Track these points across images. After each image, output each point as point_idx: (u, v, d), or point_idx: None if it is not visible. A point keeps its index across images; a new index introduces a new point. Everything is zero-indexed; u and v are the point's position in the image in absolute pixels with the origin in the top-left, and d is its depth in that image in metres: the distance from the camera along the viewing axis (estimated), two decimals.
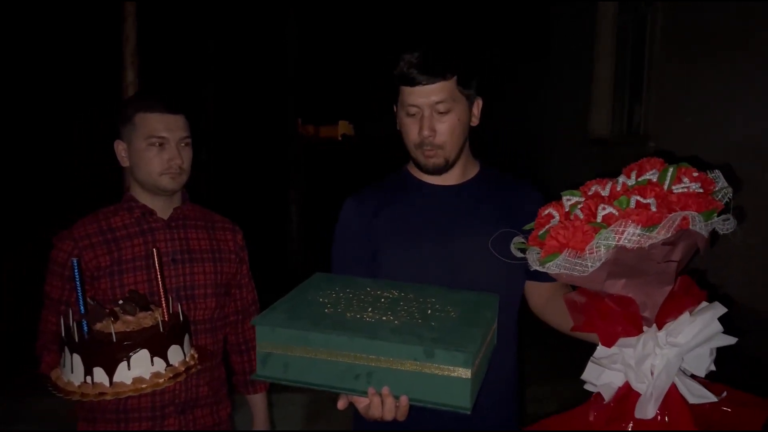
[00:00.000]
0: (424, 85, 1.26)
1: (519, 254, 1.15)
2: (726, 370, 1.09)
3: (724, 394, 1.01)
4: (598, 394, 1.08)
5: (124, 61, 3.94)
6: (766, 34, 3.69)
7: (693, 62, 4.35)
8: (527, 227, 1.16)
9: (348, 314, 1.08)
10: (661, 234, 0.94)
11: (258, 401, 1.71)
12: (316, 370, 1.04)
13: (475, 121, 1.37)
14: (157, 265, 1.23)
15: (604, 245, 0.96)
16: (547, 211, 1.11)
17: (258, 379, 1.10)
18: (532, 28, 6.82)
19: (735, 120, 3.91)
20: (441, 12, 7.75)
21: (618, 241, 0.95)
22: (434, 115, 1.28)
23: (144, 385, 1.09)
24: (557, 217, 1.08)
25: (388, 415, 1.02)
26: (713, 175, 1.03)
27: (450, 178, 1.38)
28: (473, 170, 1.43)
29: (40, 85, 3.60)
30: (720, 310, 1.00)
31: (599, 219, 1.00)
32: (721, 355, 1.06)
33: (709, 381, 1.04)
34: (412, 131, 1.31)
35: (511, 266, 1.23)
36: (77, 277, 1.16)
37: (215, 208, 1.67)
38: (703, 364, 1.02)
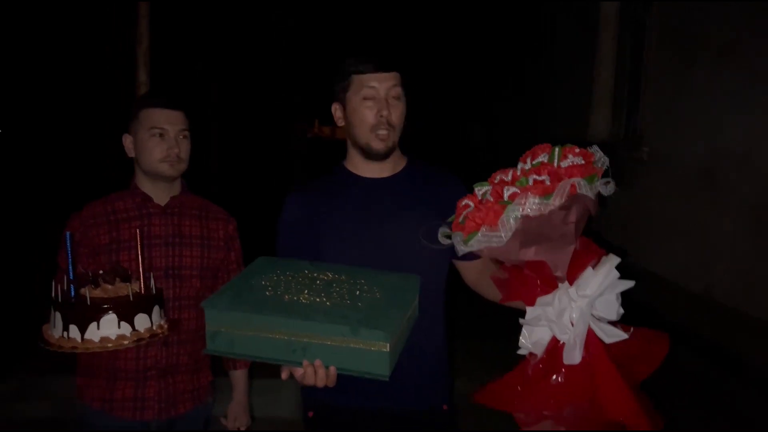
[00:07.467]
0: (382, 72, 1.45)
1: (446, 241, 1.32)
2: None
3: (631, 330, 1.19)
4: (531, 352, 1.25)
5: (137, 61, 4.14)
6: (753, 41, 3.76)
7: (689, 67, 4.42)
8: (450, 219, 1.33)
9: (286, 296, 1.23)
10: (556, 201, 1.14)
11: (239, 377, 1.87)
12: (259, 346, 1.19)
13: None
14: (139, 244, 1.40)
15: (512, 217, 1.16)
16: (464, 202, 1.30)
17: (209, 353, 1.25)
18: (534, 29, 6.89)
19: (728, 124, 3.97)
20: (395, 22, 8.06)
21: (522, 211, 1.15)
22: (390, 100, 1.45)
23: (109, 344, 1.26)
24: (473, 206, 1.26)
25: (320, 383, 1.19)
26: (592, 149, 1.24)
27: (384, 170, 1.54)
28: (402, 163, 1.58)
29: (56, 84, 3.80)
30: (615, 260, 1.18)
31: (506, 197, 1.19)
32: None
33: (620, 323, 1.22)
34: (368, 114, 1.45)
35: (438, 252, 1.39)
36: (68, 248, 1.35)
37: (223, 200, 1.83)
38: (613, 309, 1.19)
